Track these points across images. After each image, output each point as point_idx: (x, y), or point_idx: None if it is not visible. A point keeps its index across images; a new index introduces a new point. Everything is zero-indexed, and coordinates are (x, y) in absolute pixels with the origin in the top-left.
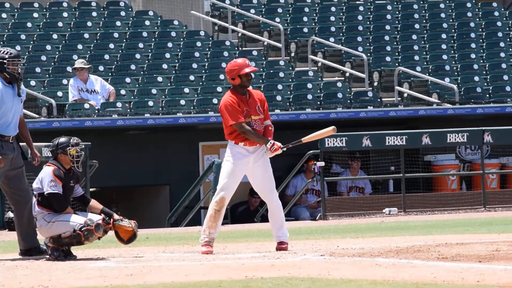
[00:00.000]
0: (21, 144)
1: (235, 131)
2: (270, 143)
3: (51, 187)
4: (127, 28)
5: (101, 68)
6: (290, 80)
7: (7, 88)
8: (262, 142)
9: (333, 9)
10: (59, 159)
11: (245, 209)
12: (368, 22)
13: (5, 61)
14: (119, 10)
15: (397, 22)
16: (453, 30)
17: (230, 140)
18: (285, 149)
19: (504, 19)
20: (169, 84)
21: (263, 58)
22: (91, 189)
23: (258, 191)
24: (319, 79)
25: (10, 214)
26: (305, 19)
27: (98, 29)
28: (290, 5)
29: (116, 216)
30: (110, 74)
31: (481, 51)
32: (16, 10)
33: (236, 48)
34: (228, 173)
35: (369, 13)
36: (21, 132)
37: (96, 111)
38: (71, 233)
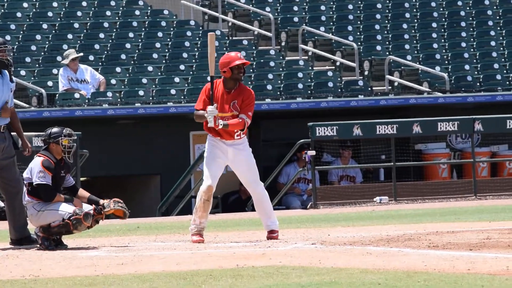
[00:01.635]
0: (12, 134)
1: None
2: (211, 113)
3: (40, 178)
4: (117, 18)
5: (91, 57)
6: (281, 69)
7: None
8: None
9: None
10: (50, 149)
11: (237, 198)
12: (358, 11)
13: None
14: (109, 0)
15: (387, 11)
16: (443, 19)
17: (205, 130)
18: (221, 126)
19: (495, 7)
20: (159, 73)
21: (254, 48)
22: (81, 179)
23: (243, 183)
24: (310, 68)
25: (1, 204)
26: (295, 8)
27: (88, 18)
28: None
29: (102, 201)
30: (100, 63)
31: (472, 39)
32: (5, 0)
33: (226, 38)
34: (210, 162)
35: (359, 2)
36: (12, 123)
37: (86, 101)
38: (60, 222)
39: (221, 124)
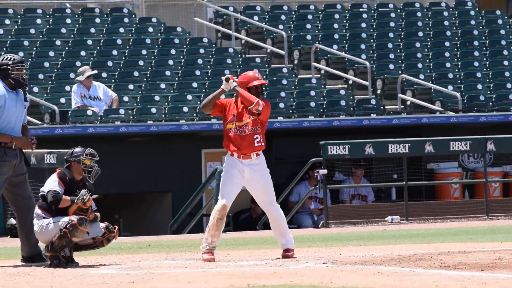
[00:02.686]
0: (24, 150)
1: (225, 138)
2: (228, 78)
3: (52, 186)
4: (130, 35)
5: (104, 74)
6: (293, 87)
7: (11, 94)
8: (218, 91)
9: (336, 16)
10: (72, 167)
11: (248, 216)
12: (371, 30)
13: (9, 67)
14: (122, 17)
15: (400, 29)
16: (456, 38)
17: (225, 148)
18: (234, 85)
19: (508, 27)
20: (172, 91)
21: (266, 65)
22: (93, 196)
23: (259, 203)
24: (322, 86)
25: (13, 221)
26: (308, 26)
27: (101, 35)
28: (293, 13)
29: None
30: (113, 80)
31: (484, 59)
32: (19, 16)
33: (239, 55)
34: (226, 181)
35: (372, 21)
36: (23, 135)
37: (99, 118)
38: (59, 234)
39: (234, 82)
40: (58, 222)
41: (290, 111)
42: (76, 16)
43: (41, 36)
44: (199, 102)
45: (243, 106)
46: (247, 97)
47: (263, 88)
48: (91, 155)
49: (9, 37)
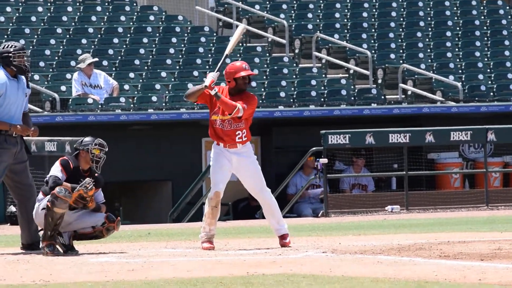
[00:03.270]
0: (25, 138)
1: (210, 127)
2: (210, 76)
3: (53, 172)
4: (131, 23)
5: (105, 62)
6: (294, 76)
7: (12, 82)
8: (200, 87)
9: (337, 5)
10: (79, 156)
11: (246, 205)
12: (372, 19)
13: (10, 54)
14: (123, 5)
15: (401, 19)
16: (457, 28)
17: (210, 137)
18: (214, 91)
19: (509, 17)
20: (173, 79)
21: (267, 54)
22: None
23: (249, 190)
24: (323, 75)
25: (12, 209)
26: (309, 15)
27: (102, 23)
28: (294, 1)
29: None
30: (114, 69)
31: (486, 49)
32: (20, 4)
33: (240, 44)
34: (216, 169)
35: (373, 10)
36: (24, 122)
37: (100, 106)
38: (45, 212)
39: (214, 90)
40: (42, 200)
41: (291, 100)
42: (77, 4)
43: (42, 24)
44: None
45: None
46: (227, 105)
47: (250, 79)
48: (100, 145)
49: (10, 24)
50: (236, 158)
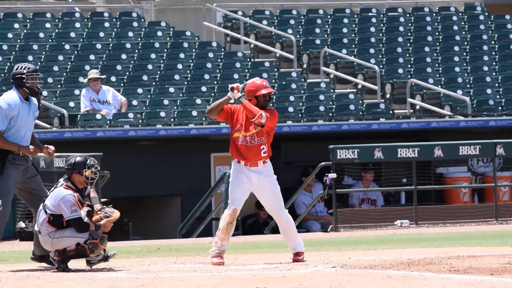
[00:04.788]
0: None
1: (232, 145)
2: (233, 88)
3: (73, 212)
4: (139, 39)
5: (113, 78)
6: (302, 91)
7: (24, 105)
8: (224, 98)
9: (345, 20)
10: (73, 178)
11: (254, 221)
12: (380, 34)
13: (24, 76)
14: (131, 21)
15: (409, 34)
16: (465, 43)
17: (231, 155)
18: (239, 95)
19: None
20: (181, 95)
21: (275, 70)
22: (102, 200)
23: (267, 209)
24: (331, 90)
25: (22, 224)
26: (317, 30)
27: (110, 39)
28: (302, 17)
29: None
30: (122, 84)
31: (494, 63)
32: (28, 20)
33: (248, 60)
34: (235, 186)
35: (381, 25)
36: (31, 142)
37: (108, 122)
38: (75, 247)
39: (239, 94)
40: (72, 236)
41: (299, 115)
42: (85, 20)
43: (50, 40)
44: (208, 106)
45: (250, 119)
46: (250, 109)
47: (271, 97)
48: (92, 167)
49: (18, 41)
50: (256, 177)
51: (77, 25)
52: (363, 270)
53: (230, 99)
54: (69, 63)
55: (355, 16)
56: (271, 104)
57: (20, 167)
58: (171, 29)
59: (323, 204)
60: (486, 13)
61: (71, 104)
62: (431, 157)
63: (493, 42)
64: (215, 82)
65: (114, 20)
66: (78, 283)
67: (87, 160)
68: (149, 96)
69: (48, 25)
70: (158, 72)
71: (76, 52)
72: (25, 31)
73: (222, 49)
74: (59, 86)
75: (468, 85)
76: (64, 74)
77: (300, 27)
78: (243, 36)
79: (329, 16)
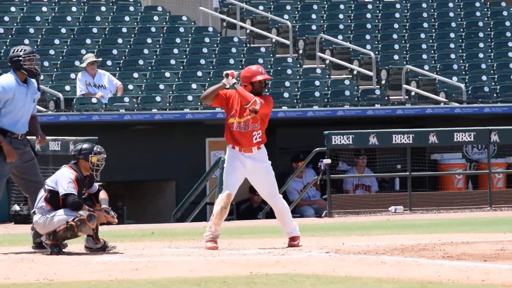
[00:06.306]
0: (29, 138)
1: (226, 130)
2: (227, 74)
3: (69, 188)
4: (135, 23)
5: (109, 62)
6: (298, 77)
7: (21, 88)
8: (219, 85)
9: (341, 7)
10: (79, 164)
11: (248, 206)
12: (376, 20)
13: (21, 58)
14: (127, 5)
15: (405, 20)
16: (461, 29)
17: (226, 140)
18: (233, 81)
19: None
20: (176, 79)
21: (271, 55)
22: (97, 183)
23: (262, 195)
24: (327, 76)
25: (16, 207)
26: (313, 16)
27: (106, 24)
28: (298, 2)
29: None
30: (118, 69)
31: (489, 50)
32: (25, 4)
33: (244, 45)
34: (229, 171)
35: (377, 11)
36: (31, 125)
37: (104, 106)
38: (65, 226)
39: (234, 80)
40: (65, 215)
41: (295, 100)
42: (82, 4)
43: (46, 24)
44: (203, 91)
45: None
46: (244, 96)
47: (267, 83)
48: (99, 154)
49: (15, 24)
50: (251, 163)
51: (74, 9)
52: (357, 256)
53: (225, 86)
54: (65, 47)
55: (351, 2)
56: (266, 90)
57: (17, 150)
58: (168, 13)
59: (315, 189)
60: (482, 0)
61: (67, 88)
62: (426, 143)
63: (488, 29)
64: (211, 67)
65: (110, 4)
66: (72, 266)
67: (94, 147)
68: (144, 80)
69: (44, 8)
70: (154, 57)
71: (72, 36)
72: (21, 14)
73: (218, 34)
74: (55, 70)
75: (464, 72)
76: (60, 58)
77: (296, 12)
78: (239, 22)
79: (325, 2)
